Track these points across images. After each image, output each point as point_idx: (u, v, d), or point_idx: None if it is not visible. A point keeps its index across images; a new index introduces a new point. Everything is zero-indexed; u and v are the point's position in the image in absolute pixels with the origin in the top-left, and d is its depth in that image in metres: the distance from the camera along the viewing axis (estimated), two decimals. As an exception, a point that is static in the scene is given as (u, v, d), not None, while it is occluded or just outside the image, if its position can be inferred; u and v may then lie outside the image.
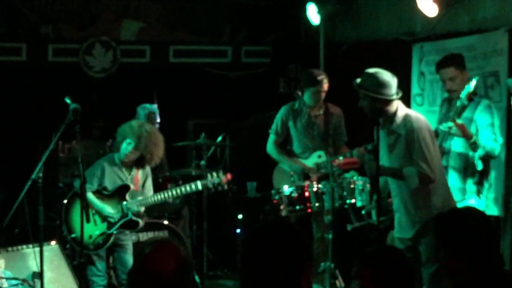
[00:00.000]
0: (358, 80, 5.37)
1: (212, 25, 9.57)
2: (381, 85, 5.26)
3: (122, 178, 6.35)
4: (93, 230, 6.28)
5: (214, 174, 6.48)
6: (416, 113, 5.55)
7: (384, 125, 5.37)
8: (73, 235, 6.33)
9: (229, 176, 6.52)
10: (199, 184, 6.42)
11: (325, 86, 6.92)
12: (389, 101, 5.28)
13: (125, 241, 6.41)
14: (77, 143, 5.39)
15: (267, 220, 4.09)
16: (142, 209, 6.35)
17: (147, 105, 7.88)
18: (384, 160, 5.37)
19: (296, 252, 2.67)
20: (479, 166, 5.90)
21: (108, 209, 6.28)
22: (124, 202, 6.31)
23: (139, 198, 6.34)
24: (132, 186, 6.34)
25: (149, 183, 6.49)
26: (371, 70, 5.35)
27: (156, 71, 9.31)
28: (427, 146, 5.26)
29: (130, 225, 6.35)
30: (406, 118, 5.31)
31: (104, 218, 6.31)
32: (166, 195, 6.36)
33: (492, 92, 6.48)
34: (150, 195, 6.40)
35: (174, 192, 6.39)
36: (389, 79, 5.30)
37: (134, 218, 6.30)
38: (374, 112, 5.30)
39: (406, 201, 5.38)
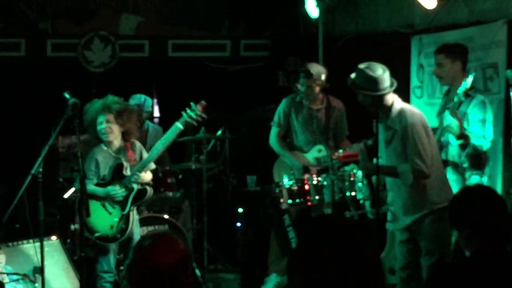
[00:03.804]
0: (353, 75, 5.30)
1: (210, 19, 9.56)
2: (371, 81, 5.16)
3: (115, 161, 6.27)
4: (110, 219, 6.21)
5: (187, 109, 6.25)
6: (411, 107, 5.45)
7: (382, 119, 5.31)
8: (96, 235, 6.18)
9: (202, 103, 6.28)
10: (178, 124, 6.23)
11: (317, 80, 6.87)
12: (382, 96, 5.21)
13: (135, 235, 6.35)
14: (76, 137, 5.37)
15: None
16: (144, 174, 6.25)
17: (136, 95, 7.86)
18: (382, 155, 5.33)
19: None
20: (465, 163, 5.91)
21: (112, 188, 6.19)
22: (124, 178, 6.23)
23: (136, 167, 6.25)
24: (126, 163, 6.25)
25: (146, 155, 6.36)
26: (362, 66, 5.24)
27: (155, 66, 9.30)
28: (421, 141, 5.17)
29: (141, 196, 6.25)
30: (401, 113, 5.22)
31: (114, 202, 6.23)
32: (157, 150, 6.22)
33: (491, 84, 6.49)
34: (144, 158, 6.29)
35: (162, 144, 6.22)
36: (379, 73, 5.19)
37: (139, 187, 6.23)
38: (371, 107, 5.26)
39: (401, 195, 5.33)
